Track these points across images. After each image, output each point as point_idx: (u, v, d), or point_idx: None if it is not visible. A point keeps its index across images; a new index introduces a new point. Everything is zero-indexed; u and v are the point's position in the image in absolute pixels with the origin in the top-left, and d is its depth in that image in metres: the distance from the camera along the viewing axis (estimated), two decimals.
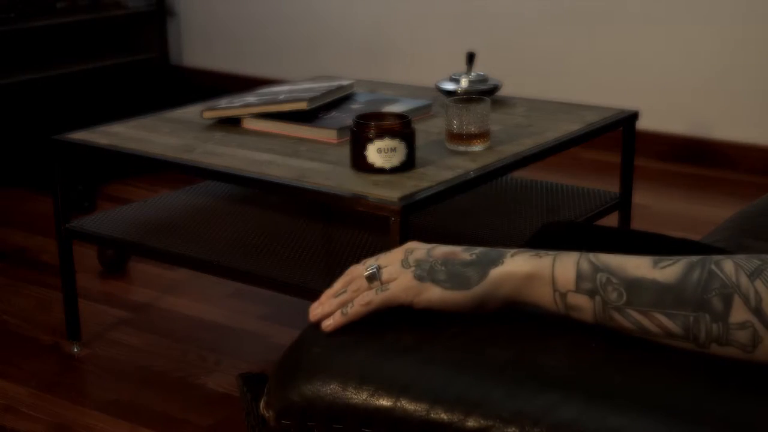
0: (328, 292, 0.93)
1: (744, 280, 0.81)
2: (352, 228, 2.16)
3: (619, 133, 2.34)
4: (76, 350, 2.24)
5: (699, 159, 3.48)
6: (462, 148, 2.00)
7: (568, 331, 0.85)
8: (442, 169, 1.90)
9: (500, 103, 2.39)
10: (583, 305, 0.85)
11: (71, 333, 2.25)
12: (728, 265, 0.82)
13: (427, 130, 2.13)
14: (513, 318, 0.88)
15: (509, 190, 2.40)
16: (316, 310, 0.92)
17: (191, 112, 2.34)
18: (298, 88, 2.31)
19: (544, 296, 0.87)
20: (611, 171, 2.67)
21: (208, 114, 2.23)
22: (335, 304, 0.91)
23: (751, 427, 0.73)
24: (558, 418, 0.74)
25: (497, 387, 0.78)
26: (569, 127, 2.20)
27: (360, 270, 0.93)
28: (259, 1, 4.25)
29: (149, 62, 4.19)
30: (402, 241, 1.77)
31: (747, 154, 3.40)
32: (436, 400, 0.78)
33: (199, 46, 4.46)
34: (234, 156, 2.00)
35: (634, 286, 0.83)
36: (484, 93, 2.29)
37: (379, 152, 1.85)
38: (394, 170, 1.86)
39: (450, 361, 0.82)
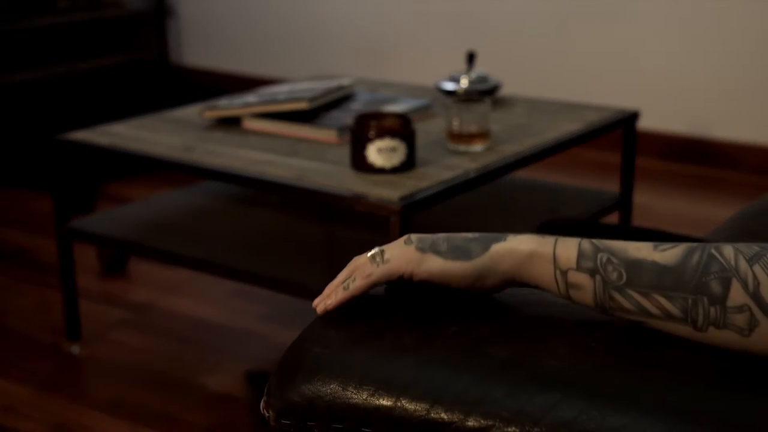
0: (332, 284, 0.93)
1: (743, 265, 0.81)
2: (352, 228, 2.16)
3: (619, 133, 2.34)
4: (76, 350, 2.24)
5: (699, 159, 3.48)
6: (462, 148, 2.00)
7: (568, 331, 0.85)
8: (442, 169, 1.90)
9: (500, 103, 2.39)
10: (584, 284, 0.86)
11: (71, 333, 2.25)
12: (727, 250, 0.83)
13: (427, 130, 2.13)
14: (513, 317, 0.88)
15: (509, 190, 2.40)
16: (320, 303, 0.92)
17: (191, 112, 2.34)
18: (298, 88, 2.31)
19: (544, 274, 0.87)
20: (611, 171, 2.67)
21: (208, 114, 2.23)
22: (337, 288, 0.91)
23: (751, 427, 0.73)
24: (558, 418, 0.74)
25: (497, 387, 0.78)
26: (569, 127, 2.20)
27: (363, 258, 0.93)
28: (259, 0, 4.25)
29: (149, 62, 4.19)
30: None
31: (747, 154, 3.40)
32: (436, 400, 0.78)
33: (199, 46, 4.46)
34: (234, 156, 2.00)
35: (634, 267, 0.84)
36: (484, 93, 2.29)
37: (379, 152, 1.85)
38: (394, 170, 1.86)
39: (450, 361, 0.82)
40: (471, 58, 2.41)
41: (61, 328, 2.29)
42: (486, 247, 0.89)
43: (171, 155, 2.03)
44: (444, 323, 0.87)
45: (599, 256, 0.85)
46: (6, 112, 3.57)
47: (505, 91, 2.49)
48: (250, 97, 2.27)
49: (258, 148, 2.05)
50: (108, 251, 2.62)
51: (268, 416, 0.84)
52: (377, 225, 1.88)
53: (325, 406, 0.81)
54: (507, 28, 3.72)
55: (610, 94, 3.42)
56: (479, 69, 2.47)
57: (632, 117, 2.31)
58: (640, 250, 0.85)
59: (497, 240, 0.90)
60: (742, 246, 0.83)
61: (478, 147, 2.01)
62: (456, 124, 2.00)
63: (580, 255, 0.86)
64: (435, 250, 0.90)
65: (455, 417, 0.77)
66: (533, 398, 0.76)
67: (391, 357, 0.83)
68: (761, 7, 3.28)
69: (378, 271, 0.90)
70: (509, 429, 0.75)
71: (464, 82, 2.34)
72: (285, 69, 4.15)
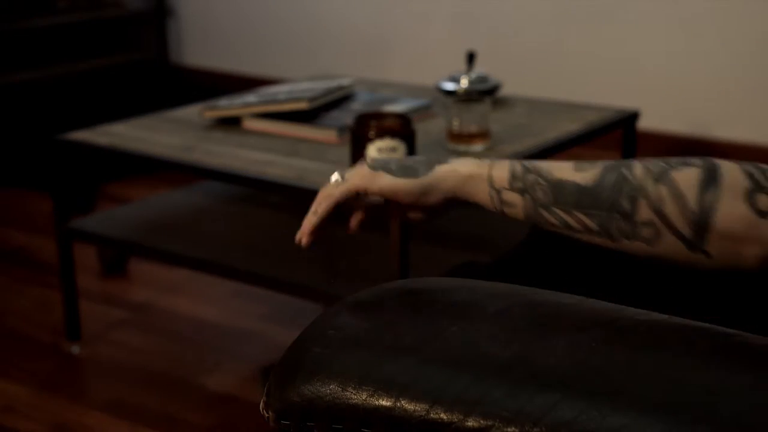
0: (306, 217, 1.09)
1: (650, 183, 0.92)
2: None
3: (619, 133, 2.34)
4: (76, 350, 2.24)
5: None
6: (462, 148, 2.00)
7: (568, 331, 0.85)
8: None
9: (500, 103, 2.39)
10: (515, 202, 0.99)
11: (71, 333, 2.25)
12: (638, 169, 0.93)
13: (427, 130, 2.13)
14: (513, 317, 0.88)
15: None
16: (303, 235, 1.10)
17: (191, 112, 2.34)
18: (298, 88, 2.31)
19: (481, 192, 1.01)
20: None
21: (208, 114, 2.23)
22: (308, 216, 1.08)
23: (750, 427, 0.73)
24: (558, 418, 0.74)
25: (497, 386, 0.78)
26: (569, 127, 2.20)
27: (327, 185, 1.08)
28: (259, 0, 4.25)
29: (149, 62, 4.19)
30: (402, 242, 1.78)
31: (747, 154, 3.40)
32: (435, 400, 0.78)
33: (199, 46, 4.46)
34: (234, 156, 2.00)
35: (558, 188, 0.96)
36: (484, 93, 2.29)
37: (379, 152, 1.85)
38: None
39: (450, 361, 0.82)
40: (471, 58, 2.41)
41: (61, 328, 2.29)
42: (431, 167, 1.03)
43: (171, 155, 2.03)
44: (444, 323, 0.87)
45: (528, 177, 0.98)
46: (6, 112, 3.57)
47: (505, 91, 2.48)
48: (250, 97, 2.27)
49: (258, 148, 2.05)
50: (108, 251, 2.62)
51: (268, 417, 0.84)
52: (377, 225, 1.88)
53: (324, 406, 0.81)
54: (507, 28, 3.72)
55: (610, 94, 3.41)
56: (479, 69, 2.47)
57: (632, 117, 2.31)
58: (562, 170, 0.97)
59: (440, 162, 1.03)
60: (651, 164, 0.93)
61: (478, 147, 2.01)
62: (456, 124, 2.00)
63: (512, 176, 0.99)
64: (386, 168, 1.04)
65: (455, 417, 0.77)
66: (533, 398, 0.76)
67: (391, 357, 0.83)
68: (761, 7, 3.28)
69: (337, 191, 1.06)
70: (509, 429, 0.75)
71: (464, 82, 2.34)
72: (285, 69, 4.15)
